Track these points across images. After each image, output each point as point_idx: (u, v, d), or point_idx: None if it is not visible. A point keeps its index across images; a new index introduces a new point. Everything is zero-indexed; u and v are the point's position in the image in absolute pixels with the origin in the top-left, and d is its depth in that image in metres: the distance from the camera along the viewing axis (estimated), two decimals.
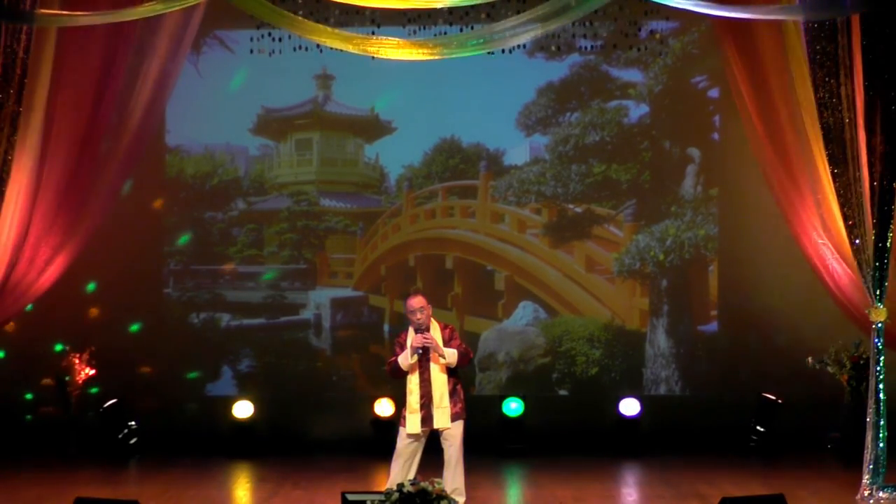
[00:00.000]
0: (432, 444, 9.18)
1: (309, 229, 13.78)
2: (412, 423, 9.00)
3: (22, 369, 13.07)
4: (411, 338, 9.04)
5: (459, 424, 9.08)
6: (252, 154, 13.86)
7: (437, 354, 8.98)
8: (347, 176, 13.89)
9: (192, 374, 13.57)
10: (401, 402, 9.30)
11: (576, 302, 13.55)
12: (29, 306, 11.43)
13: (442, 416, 8.96)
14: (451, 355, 9.01)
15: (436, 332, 9.07)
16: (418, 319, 9.00)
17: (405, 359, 9.01)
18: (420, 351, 8.97)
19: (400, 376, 9.12)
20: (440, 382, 9.00)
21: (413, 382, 9.04)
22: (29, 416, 13.20)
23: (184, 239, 13.70)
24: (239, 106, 13.54)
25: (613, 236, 13.58)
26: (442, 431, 9.03)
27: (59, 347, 13.01)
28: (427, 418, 8.98)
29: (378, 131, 13.75)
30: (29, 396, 13.22)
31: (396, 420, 9.37)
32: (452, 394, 9.06)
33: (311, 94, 13.75)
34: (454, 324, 13.42)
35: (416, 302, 9.03)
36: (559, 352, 13.50)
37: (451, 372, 9.10)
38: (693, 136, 13.52)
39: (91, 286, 13.26)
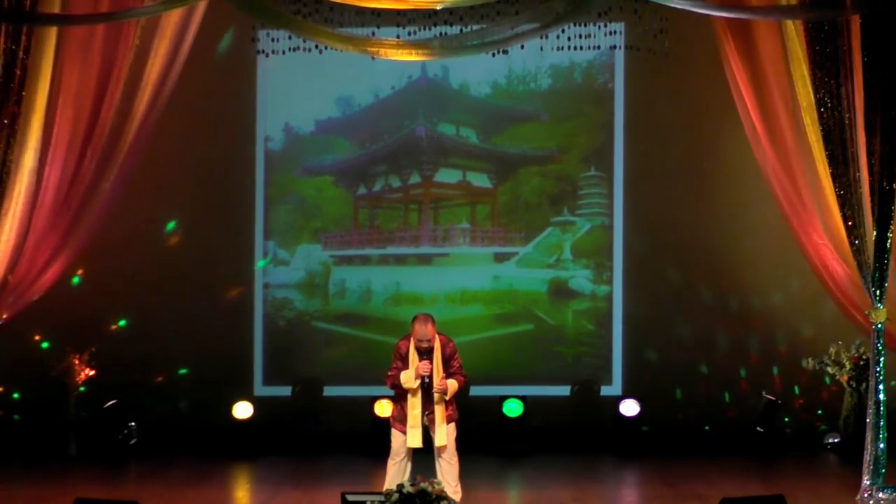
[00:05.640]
0: (427, 444, 9.20)
1: None
2: (413, 437, 9.04)
3: (18, 369, 13.08)
4: (413, 354, 9.01)
5: (451, 427, 9.11)
6: None
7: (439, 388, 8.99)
8: None
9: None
10: (399, 407, 9.23)
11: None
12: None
13: (441, 435, 9.01)
14: (453, 389, 9.01)
15: (437, 348, 9.01)
16: (423, 346, 9.01)
17: (409, 381, 9.00)
18: (427, 380, 8.95)
19: (400, 392, 9.14)
20: (441, 400, 9.05)
21: (416, 399, 9.05)
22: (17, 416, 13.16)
23: None
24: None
25: None
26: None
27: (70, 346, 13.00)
28: (427, 435, 9.05)
29: None
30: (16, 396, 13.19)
31: (390, 420, 9.35)
32: (447, 406, 9.10)
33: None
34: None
35: (426, 332, 8.97)
36: (559, 351, 13.49)
37: None
38: None
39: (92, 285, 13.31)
